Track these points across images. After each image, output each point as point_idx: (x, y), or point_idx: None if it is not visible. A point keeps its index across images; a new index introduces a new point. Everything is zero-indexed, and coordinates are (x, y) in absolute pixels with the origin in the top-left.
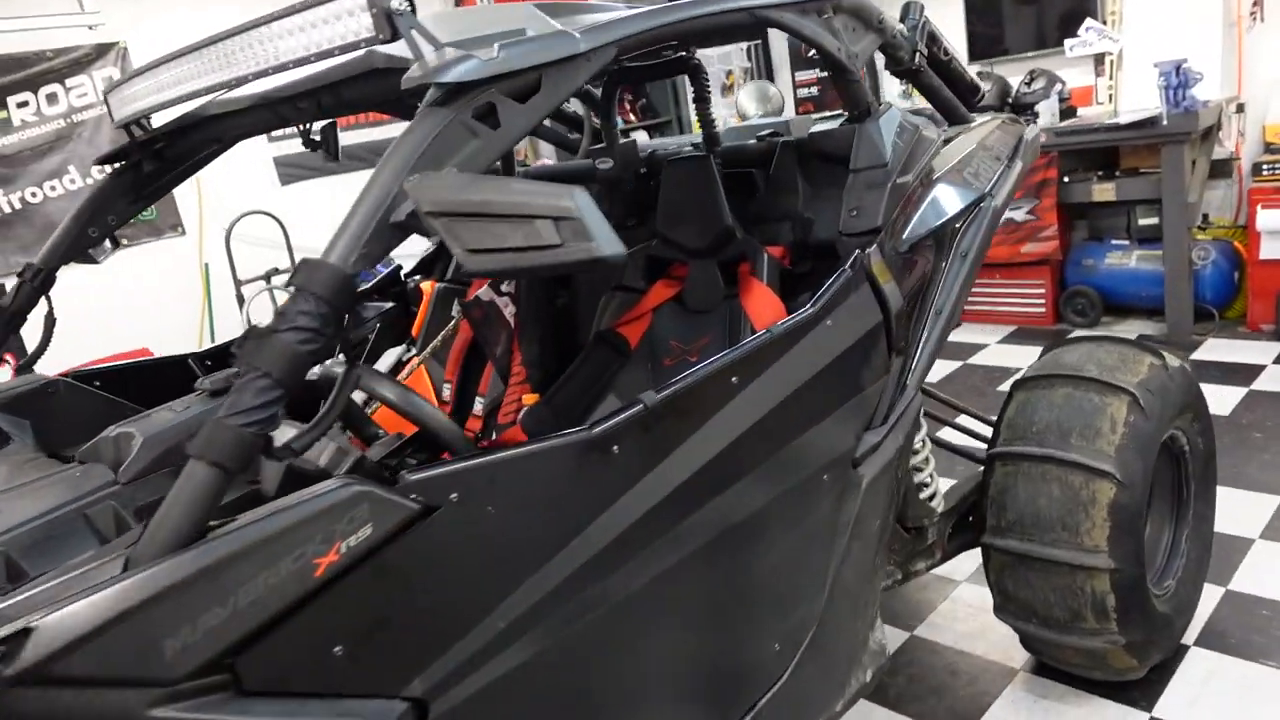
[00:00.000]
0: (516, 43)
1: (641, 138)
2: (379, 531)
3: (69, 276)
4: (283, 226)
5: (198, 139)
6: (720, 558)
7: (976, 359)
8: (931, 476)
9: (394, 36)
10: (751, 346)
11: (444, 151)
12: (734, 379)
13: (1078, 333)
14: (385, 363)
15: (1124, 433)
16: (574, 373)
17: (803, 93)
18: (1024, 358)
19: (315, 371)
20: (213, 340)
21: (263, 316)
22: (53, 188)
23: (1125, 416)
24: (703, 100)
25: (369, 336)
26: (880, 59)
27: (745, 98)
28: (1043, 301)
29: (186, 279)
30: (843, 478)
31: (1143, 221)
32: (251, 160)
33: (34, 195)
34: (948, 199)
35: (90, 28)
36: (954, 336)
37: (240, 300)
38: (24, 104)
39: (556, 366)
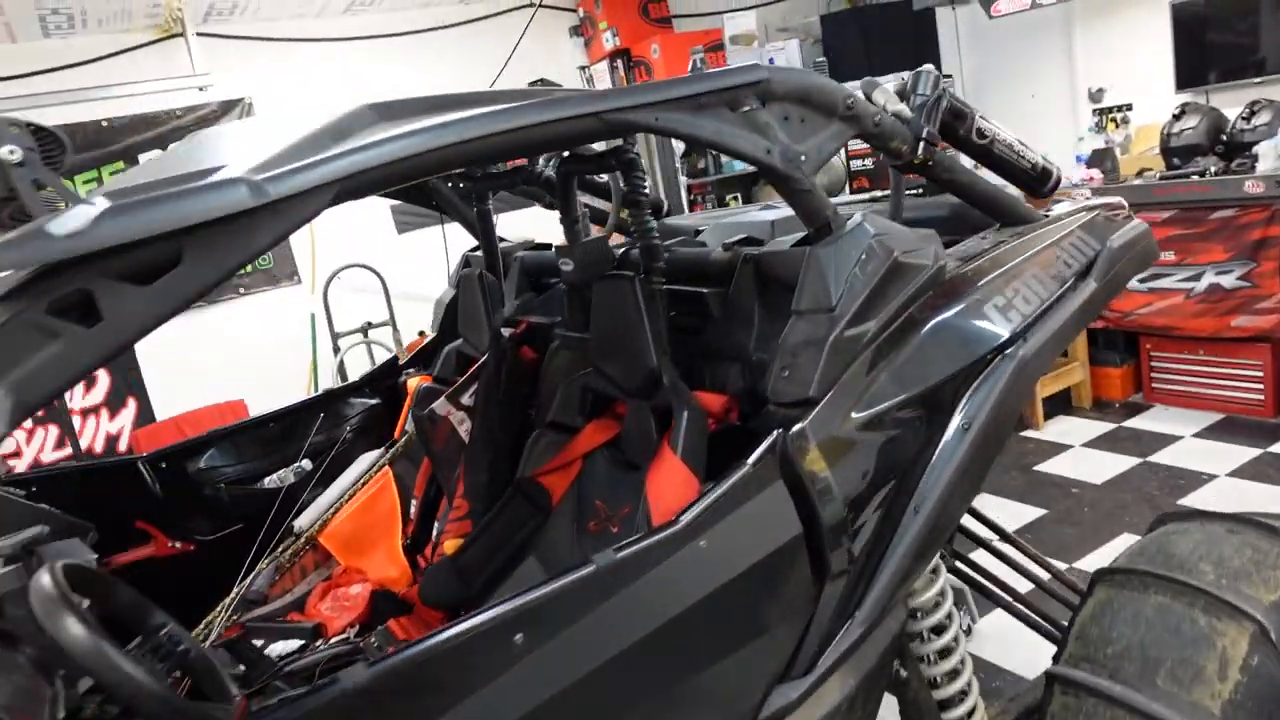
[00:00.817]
0: (137, 203)
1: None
2: None
3: (181, 323)
4: (381, 279)
5: None
6: None
7: (1161, 455)
8: (969, 687)
9: (9, 195)
10: (550, 591)
11: None
12: (517, 637)
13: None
14: (359, 468)
15: (1239, 681)
16: (486, 528)
17: (856, 164)
18: (1227, 460)
19: (276, 477)
20: (316, 389)
21: (357, 368)
22: None
23: (1244, 655)
24: (635, 204)
25: (345, 437)
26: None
27: None
28: (1260, 387)
29: (301, 326)
30: None
31: None
32: (370, 208)
33: None
34: (943, 349)
35: (200, 89)
36: (1138, 423)
37: (335, 351)
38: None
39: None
